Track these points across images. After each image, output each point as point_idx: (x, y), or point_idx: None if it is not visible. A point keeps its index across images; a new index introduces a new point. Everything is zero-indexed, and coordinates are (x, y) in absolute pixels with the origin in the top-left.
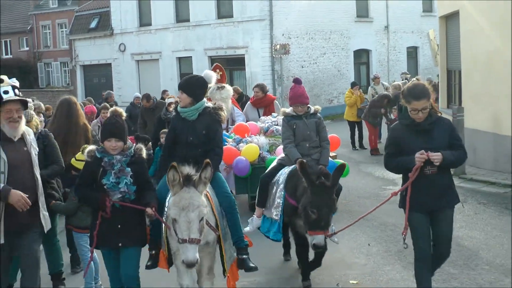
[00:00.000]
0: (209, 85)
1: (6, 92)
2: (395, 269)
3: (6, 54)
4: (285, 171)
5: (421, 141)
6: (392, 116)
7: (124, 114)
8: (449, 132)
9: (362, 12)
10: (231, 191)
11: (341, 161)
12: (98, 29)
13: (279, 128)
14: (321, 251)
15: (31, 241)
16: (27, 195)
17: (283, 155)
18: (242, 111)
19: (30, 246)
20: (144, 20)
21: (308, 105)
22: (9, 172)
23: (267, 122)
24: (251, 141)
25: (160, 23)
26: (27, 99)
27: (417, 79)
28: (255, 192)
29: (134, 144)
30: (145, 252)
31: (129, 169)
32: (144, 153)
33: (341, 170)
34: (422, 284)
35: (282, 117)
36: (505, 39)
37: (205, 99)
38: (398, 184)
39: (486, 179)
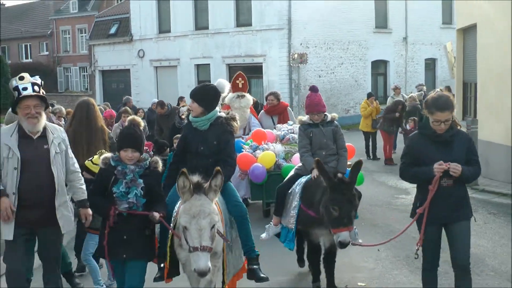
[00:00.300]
0: (224, 94)
1: (25, 89)
2: (402, 274)
3: (26, 58)
4: (302, 181)
5: (440, 153)
6: (408, 127)
7: (142, 124)
8: (468, 145)
9: (381, 23)
10: (246, 198)
11: None
12: (117, 35)
13: (295, 136)
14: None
15: (48, 241)
16: (42, 193)
17: (300, 164)
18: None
19: (46, 246)
20: (164, 27)
21: (325, 113)
22: (24, 168)
23: (283, 130)
24: (267, 148)
25: (179, 30)
26: (45, 96)
27: (441, 90)
28: (270, 199)
29: (150, 156)
30: (154, 265)
31: (141, 180)
32: (160, 166)
33: (358, 166)
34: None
35: (299, 125)
36: None
37: (218, 109)
38: (410, 193)
39: (498, 191)
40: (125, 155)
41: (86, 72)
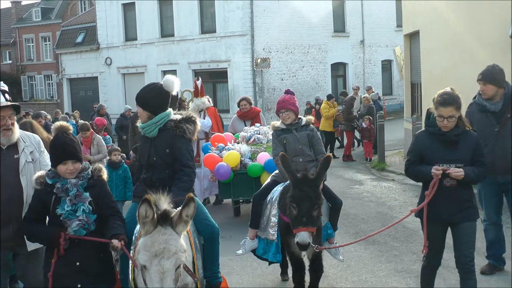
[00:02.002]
0: (174, 92)
1: None
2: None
3: None
4: (279, 188)
5: (445, 152)
6: (364, 125)
7: (71, 129)
8: (474, 146)
9: (339, 27)
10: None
11: None
12: (84, 43)
13: (261, 136)
14: (305, 250)
15: (24, 259)
16: (11, 208)
17: (276, 171)
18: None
19: (24, 266)
20: (130, 35)
21: (300, 117)
22: None
23: (249, 132)
24: (233, 148)
25: (145, 38)
26: (19, 105)
27: (451, 89)
28: (238, 197)
29: (91, 165)
30: None
31: (87, 194)
32: (104, 174)
33: (326, 161)
34: (426, 282)
35: (272, 131)
36: (457, 57)
37: (169, 111)
38: (363, 184)
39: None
40: (65, 169)
41: (52, 80)
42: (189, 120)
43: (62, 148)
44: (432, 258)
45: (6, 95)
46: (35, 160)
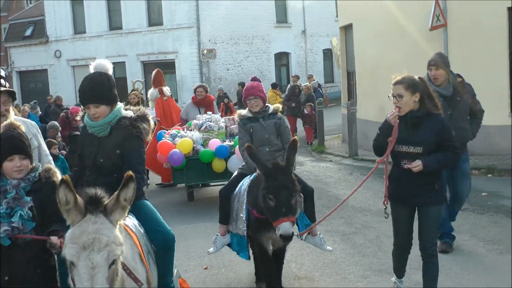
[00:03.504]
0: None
1: None
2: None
3: None
4: (246, 181)
5: (405, 133)
6: (306, 111)
7: (23, 129)
8: (439, 130)
9: (281, 18)
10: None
11: None
12: (33, 36)
13: (212, 124)
14: (289, 242)
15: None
16: None
17: (243, 163)
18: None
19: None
20: (79, 28)
21: (267, 104)
22: None
23: (202, 119)
24: (186, 135)
25: (94, 31)
26: (14, 90)
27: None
28: (191, 182)
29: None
30: None
31: (28, 198)
32: (55, 176)
33: (294, 146)
34: (397, 264)
35: (238, 120)
36: (386, 47)
37: (120, 105)
38: (304, 164)
39: (373, 159)
40: (12, 166)
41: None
42: (144, 118)
43: (7, 142)
44: (400, 240)
45: (2, 81)
46: (34, 147)
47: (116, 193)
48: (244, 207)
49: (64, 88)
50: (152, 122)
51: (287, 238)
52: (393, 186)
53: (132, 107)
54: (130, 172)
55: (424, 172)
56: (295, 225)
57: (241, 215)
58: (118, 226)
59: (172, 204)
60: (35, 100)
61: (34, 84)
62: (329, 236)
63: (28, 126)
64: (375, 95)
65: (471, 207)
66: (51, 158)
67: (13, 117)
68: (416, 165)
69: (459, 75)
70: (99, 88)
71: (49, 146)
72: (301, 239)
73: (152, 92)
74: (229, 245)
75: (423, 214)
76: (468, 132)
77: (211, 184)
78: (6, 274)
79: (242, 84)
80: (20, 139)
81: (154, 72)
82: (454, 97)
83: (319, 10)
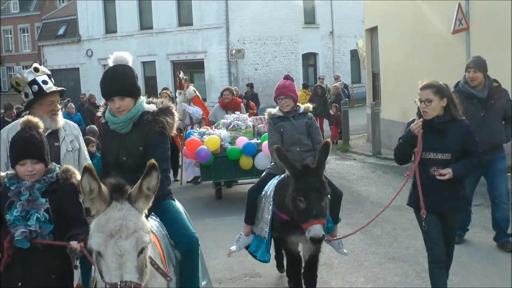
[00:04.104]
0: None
1: (45, 83)
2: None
3: None
4: (274, 182)
5: (432, 140)
6: (332, 112)
7: (42, 126)
8: (464, 136)
9: (309, 19)
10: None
11: None
12: (66, 35)
13: (240, 123)
14: (319, 245)
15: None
16: None
17: (272, 163)
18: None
19: None
20: (110, 28)
21: (298, 104)
22: None
23: (230, 119)
24: (214, 133)
25: (125, 30)
26: (64, 89)
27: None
28: (218, 179)
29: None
30: None
31: (43, 199)
32: (75, 178)
33: (326, 149)
34: (438, 285)
35: (268, 119)
36: (410, 50)
37: (142, 99)
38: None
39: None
40: (24, 170)
41: None
42: (168, 112)
43: (20, 146)
44: (435, 252)
45: (52, 79)
46: (75, 150)
47: (138, 182)
48: (270, 208)
49: (95, 87)
50: (176, 116)
51: (318, 241)
52: (423, 195)
53: (155, 100)
54: (153, 161)
55: (453, 179)
56: None
57: (266, 215)
58: (144, 214)
59: (200, 200)
60: (68, 98)
61: (66, 83)
62: (349, 229)
63: (70, 128)
64: (399, 96)
65: (486, 203)
66: (90, 162)
67: (61, 116)
68: (447, 173)
69: (495, 80)
70: (124, 80)
71: (87, 143)
72: (327, 241)
73: (188, 91)
74: (247, 247)
75: (447, 221)
76: (502, 135)
77: (239, 181)
78: (20, 280)
79: (250, 85)
80: (32, 142)
81: (182, 76)
82: (489, 100)
83: (346, 11)
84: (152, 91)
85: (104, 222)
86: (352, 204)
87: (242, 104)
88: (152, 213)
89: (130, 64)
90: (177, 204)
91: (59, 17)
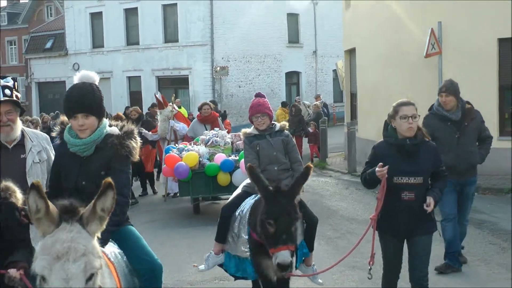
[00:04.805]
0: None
1: None
2: None
3: None
4: (250, 201)
5: (404, 163)
6: (310, 130)
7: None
8: (435, 158)
9: (293, 38)
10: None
11: None
12: (53, 49)
13: (218, 139)
14: (286, 273)
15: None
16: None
17: (248, 181)
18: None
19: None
20: (97, 42)
21: (273, 122)
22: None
23: (208, 135)
24: (192, 149)
25: (112, 45)
26: (18, 100)
27: None
28: (196, 194)
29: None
30: None
31: None
32: (15, 197)
33: (306, 173)
34: None
35: (243, 138)
36: (385, 71)
37: (106, 122)
38: None
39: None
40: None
41: (18, 83)
42: (132, 136)
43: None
44: (389, 272)
45: (7, 91)
46: (42, 161)
47: (92, 202)
48: (246, 229)
49: None
50: (139, 141)
51: (285, 268)
52: (386, 218)
53: (115, 123)
54: (109, 179)
55: (422, 202)
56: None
57: (244, 236)
58: (96, 238)
59: (179, 211)
60: (57, 111)
61: (52, 95)
62: (315, 240)
63: (38, 139)
64: (374, 116)
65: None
66: None
67: (20, 127)
68: (431, 204)
69: (468, 102)
70: (91, 97)
71: None
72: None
73: (169, 109)
74: (221, 265)
75: (417, 244)
76: (476, 156)
77: (222, 197)
78: None
79: (213, 102)
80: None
81: (160, 96)
82: (462, 122)
83: (330, 31)
84: (138, 104)
85: (51, 244)
86: (321, 217)
87: (219, 118)
88: (111, 239)
89: (97, 83)
90: (135, 229)
91: (47, 31)
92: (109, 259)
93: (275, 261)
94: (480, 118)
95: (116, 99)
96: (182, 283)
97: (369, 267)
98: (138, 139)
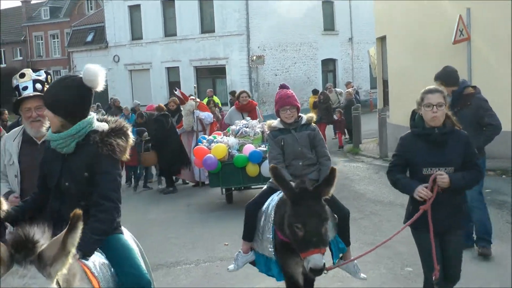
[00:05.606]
0: (98, 87)
1: (25, 88)
2: None
3: (0, 63)
4: (275, 198)
5: (432, 154)
6: (335, 117)
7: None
8: (465, 147)
9: (329, 26)
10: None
11: None
12: (94, 42)
13: (248, 130)
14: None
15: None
16: None
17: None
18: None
19: None
20: (136, 35)
21: (300, 114)
22: (25, 177)
23: (239, 125)
24: (221, 141)
25: (150, 37)
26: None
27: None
28: (226, 185)
29: None
30: None
31: None
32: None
33: (331, 177)
34: None
35: (268, 131)
36: (414, 58)
37: (91, 117)
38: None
39: None
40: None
41: (60, 75)
42: (121, 132)
43: None
44: (429, 270)
45: (38, 85)
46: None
47: (61, 237)
48: (271, 227)
49: (121, 91)
50: (131, 137)
51: (317, 272)
52: (422, 215)
53: (109, 118)
54: (78, 211)
55: (452, 191)
56: (329, 250)
57: (268, 235)
58: (54, 281)
59: (213, 199)
60: (98, 103)
61: None
62: None
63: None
64: (405, 102)
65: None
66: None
67: (45, 126)
68: (444, 178)
69: (474, 87)
70: (59, 94)
71: None
72: (325, 273)
73: (190, 103)
74: (253, 263)
75: (451, 241)
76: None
77: (253, 187)
78: None
79: (232, 93)
80: None
81: (178, 92)
82: (453, 107)
83: (365, 18)
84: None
85: None
86: (347, 199)
87: (257, 107)
88: (98, 249)
89: (99, 82)
90: (128, 237)
91: (87, 24)
92: (92, 273)
93: (307, 266)
94: (480, 104)
95: (155, 90)
96: (214, 259)
97: (434, 281)
98: (130, 136)
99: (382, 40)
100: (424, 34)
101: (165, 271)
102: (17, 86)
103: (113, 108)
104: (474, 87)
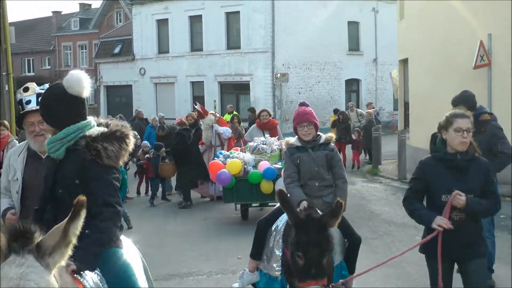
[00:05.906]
0: (84, 94)
1: (28, 102)
2: None
3: (29, 71)
4: (286, 217)
5: (453, 180)
6: (354, 137)
7: None
8: (485, 174)
9: (354, 46)
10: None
11: None
12: (121, 54)
13: (265, 146)
14: None
15: None
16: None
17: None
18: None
19: None
20: (163, 48)
21: (319, 133)
22: (25, 193)
23: (256, 142)
24: (237, 157)
25: (176, 51)
26: None
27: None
28: (240, 201)
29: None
30: None
31: None
32: None
33: (336, 210)
34: None
35: (285, 149)
36: (435, 81)
37: (86, 122)
38: (355, 184)
39: None
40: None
41: None
42: (113, 136)
43: None
44: None
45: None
46: None
47: (62, 225)
48: (281, 245)
49: (146, 103)
50: (132, 140)
51: None
52: (434, 240)
53: (110, 121)
54: (82, 197)
55: (469, 218)
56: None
57: (277, 252)
58: (52, 272)
59: (228, 213)
60: (120, 114)
61: (119, 99)
62: None
63: None
64: (425, 124)
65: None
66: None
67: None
68: (461, 199)
69: (490, 114)
70: (48, 102)
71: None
72: None
73: (210, 118)
74: (254, 285)
75: (471, 269)
76: None
77: (269, 204)
78: None
79: (252, 110)
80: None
81: (198, 107)
82: None
83: (390, 40)
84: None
85: None
86: (362, 219)
87: (278, 126)
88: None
89: (83, 87)
90: (129, 250)
91: (115, 36)
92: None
93: None
94: (494, 132)
95: (179, 104)
96: (226, 271)
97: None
98: (129, 142)
99: (404, 62)
100: (445, 58)
101: (177, 281)
102: (21, 100)
103: (136, 120)
104: (491, 113)
